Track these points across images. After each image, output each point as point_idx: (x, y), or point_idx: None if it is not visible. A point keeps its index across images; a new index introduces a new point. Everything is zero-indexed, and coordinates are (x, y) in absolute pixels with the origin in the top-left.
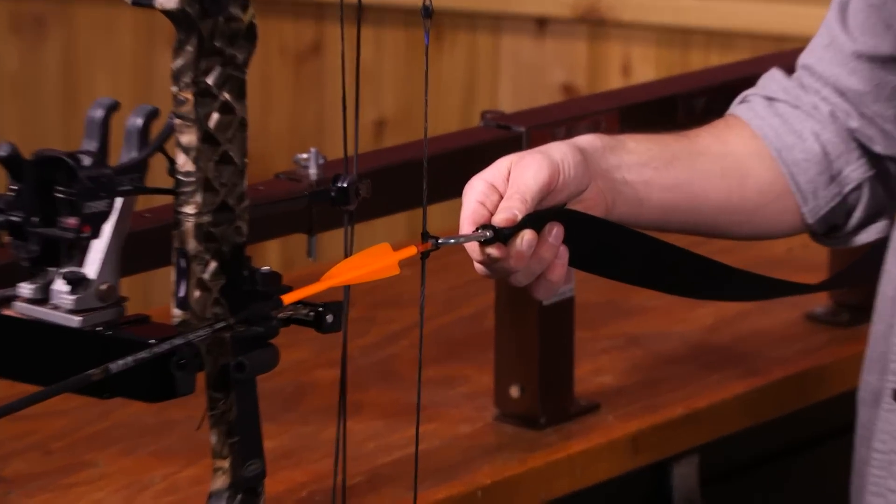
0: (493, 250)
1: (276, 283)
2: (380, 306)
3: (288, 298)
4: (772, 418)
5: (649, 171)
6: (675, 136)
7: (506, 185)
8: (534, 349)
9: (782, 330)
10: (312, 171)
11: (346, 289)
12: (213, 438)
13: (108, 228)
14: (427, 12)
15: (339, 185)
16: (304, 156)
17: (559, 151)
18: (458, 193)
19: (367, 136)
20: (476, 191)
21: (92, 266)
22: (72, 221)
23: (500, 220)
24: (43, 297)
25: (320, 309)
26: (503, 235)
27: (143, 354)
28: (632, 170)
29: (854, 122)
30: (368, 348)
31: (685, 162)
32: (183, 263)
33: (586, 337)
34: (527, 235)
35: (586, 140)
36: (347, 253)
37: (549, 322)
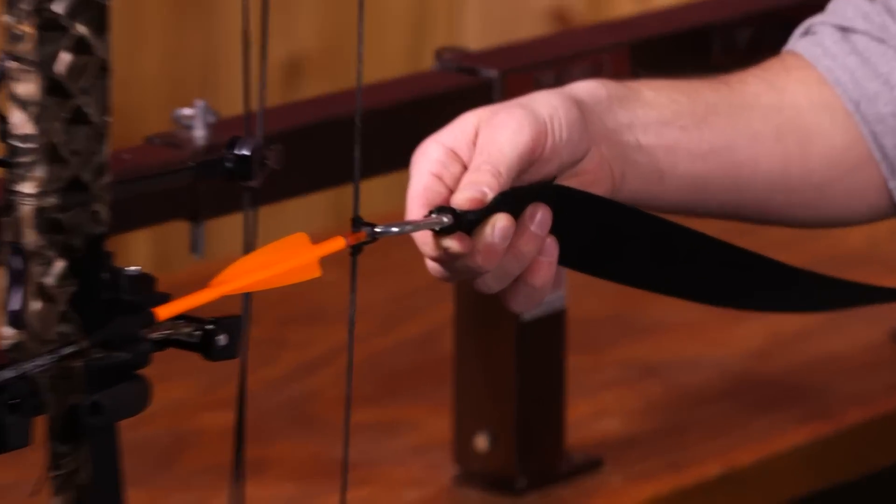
0: (452, 243)
1: (147, 290)
2: (293, 323)
3: (165, 311)
4: (847, 479)
5: (674, 131)
6: (710, 82)
7: (471, 152)
8: (509, 382)
9: (861, 355)
10: (199, 133)
11: (247, 298)
12: None
13: None
14: None
15: (238, 152)
16: (188, 111)
17: (547, 105)
18: (404, 164)
19: (277, 84)
20: (430, 159)
21: None
22: None
23: (462, 199)
24: None
25: (210, 326)
26: (467, 221)
27: None
28: (649, 130)
29: None
30: (277, 382)
31: (725, 119)
32: (17, 263)
33: (584, 365)
34: (500, 222)
35: (586, 88)
36: (248, 248)
37: (530, 344)
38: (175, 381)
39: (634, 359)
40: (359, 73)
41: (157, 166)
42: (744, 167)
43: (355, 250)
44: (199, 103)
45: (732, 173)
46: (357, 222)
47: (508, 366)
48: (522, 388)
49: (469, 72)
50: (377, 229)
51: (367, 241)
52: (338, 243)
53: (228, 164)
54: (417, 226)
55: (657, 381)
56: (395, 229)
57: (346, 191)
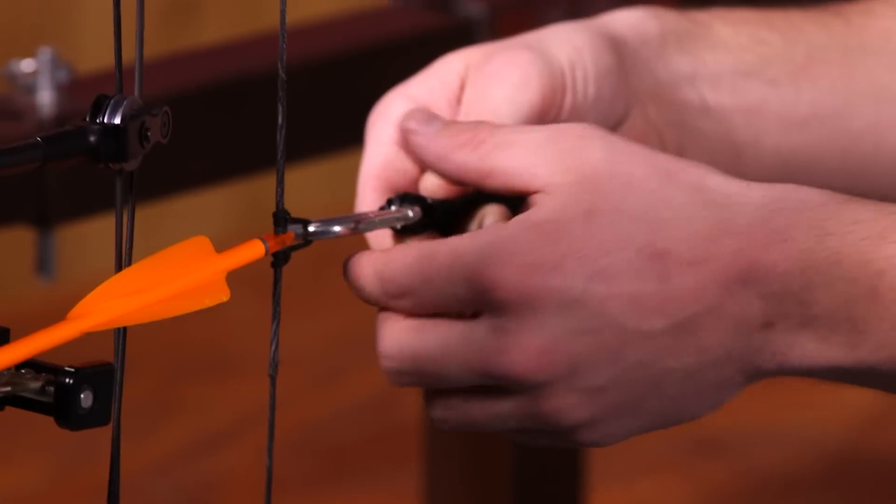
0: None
1: None
2: (190, 376)
3: (4, 355)
4: None
5: (759, 86)
6: (816, 14)
7: (454, 112)
8: (503, 461)
9: None
10: (45, 96)
11: (121, 338)
12: None
13: None
14: None
15: (106, 119)
16: (28, 65)
17: (567, 45)
18: (352, 140)
19: (158, 24)
20: (393, 121)
21: None
22: None
23: (438, 182)
24: None
25: (68, 380)
26: (442, 215)
27: None
28: (722, 84)
29: None
30: (167, 462)
31: (837, 69)
32: None
33: None
34: (491, 216)
35: (627, 21)
36: (122, 262)
37: None
38: (17, 461)
39: (688, 429)
40: (282, 11)
41: None
42: (863, 140)
43: (279, 259)
44: (45, 53)
45: (844, 148)
46: (281, 218)
47: (503, 439)
48: (523, 469)
49: (443, 7)
50: (311, 228)
51: (297, 245)
52: (254, 249)
53: (92, 139)
54: (371, 223)
55: (721, 461)
56: (337, 228)
57: (267, 182)
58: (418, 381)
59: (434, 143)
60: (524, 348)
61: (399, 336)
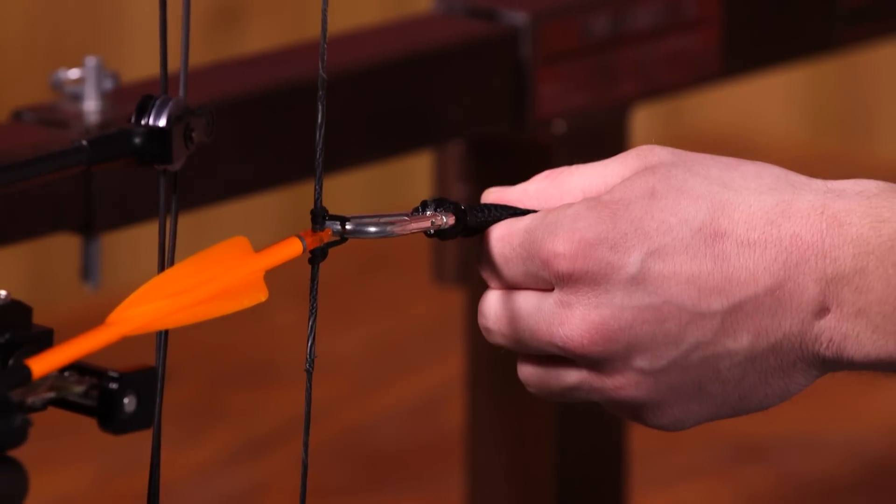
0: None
1: (21, 327)
2: (231, 382)
3: (45, 361)
4: None
5: None
6: None
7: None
8: (548, 469)
9: None
10: (91, 105)
11: (162, 340)
12: None
13: None
14: None
15: (151, 121)
16: (74, 73)
17: None
18: (391, 150)
19: (204, 33)
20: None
21: None
22: None
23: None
24: None
25: (112, 385)
26: (477, 224)
27: None
28: None
29: None
30: (208, 469)
31: None
32: None
33: (657, 444)
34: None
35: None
36: (165, 264)
37: (579, 413)
38: (59, 465)
39: (728, 435)
40: (323, 19)
41: (29, 153)
42: None
43: (317, 256)
44: (91, 61)
45: None
46: (319, 215)
47: (546, 445)
48: (566, 476)
49: (485, 16)
50: (349, 226)
51: (334, 241)
52: (292, 247)
53: (137, 141)
54: (404, 227)
55: (763, 467)
56: (372, 229)
57: (310, 194)
58: (504, 343)
59: (514, 187)
60: (582, 321)
61: (490, 298)
